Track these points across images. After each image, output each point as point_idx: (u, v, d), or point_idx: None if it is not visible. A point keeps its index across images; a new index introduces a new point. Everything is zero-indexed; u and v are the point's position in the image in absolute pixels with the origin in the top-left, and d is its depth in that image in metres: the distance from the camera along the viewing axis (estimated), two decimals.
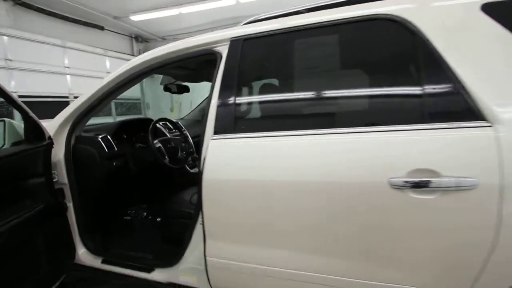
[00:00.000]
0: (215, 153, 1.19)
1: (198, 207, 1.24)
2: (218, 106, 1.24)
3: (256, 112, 1.28)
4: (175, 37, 7.71)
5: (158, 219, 2.17)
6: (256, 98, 1.47)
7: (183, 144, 2.10)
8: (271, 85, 1.34)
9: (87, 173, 1.68)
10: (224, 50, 1.30)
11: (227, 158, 1.16)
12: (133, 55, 7.75)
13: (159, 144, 1.87)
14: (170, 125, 2.56)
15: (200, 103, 3.22)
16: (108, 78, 1.56)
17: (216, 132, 1.22)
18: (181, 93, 2.40)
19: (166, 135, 2.07)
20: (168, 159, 1.87)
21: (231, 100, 1.23)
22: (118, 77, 1.53)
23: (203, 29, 6.97)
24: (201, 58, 1.43)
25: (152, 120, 2.20)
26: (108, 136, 1.79)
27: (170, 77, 2.21)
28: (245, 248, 1.15)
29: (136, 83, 1.62)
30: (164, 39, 7.88)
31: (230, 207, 1.16)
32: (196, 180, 1.23)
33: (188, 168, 2.12)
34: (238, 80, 1.23)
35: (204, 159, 1.19)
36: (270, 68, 1.30)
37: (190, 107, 8.37)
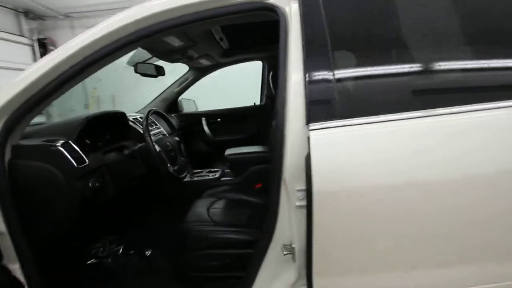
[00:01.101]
0: (327, 150, 0.79)
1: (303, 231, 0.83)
2: (310, 83, 0.84)
3: (375, 86, 0.92)
4: (84, 15, 6.13)
5: (147, 253, 1.55)
6: (370, 65, 0.94)
7: (181, 146, 1.53)
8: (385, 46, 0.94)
9: (44, 207, 0.98)
10: (290, 4, 0.90)
11: (353, 156, 0.79)
12: (22, 35, 5.78)
13: (158, 147, 1.28)
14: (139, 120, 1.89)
15: (162, 93, 2.54)
16: (68, 48, 0.91)
17: (313, 119, 0.82)
18: (156, 76, 1.77)
19: (163, 133, 1.45)
20: (171, 167, 1.30)
21: (329, 73, 0.85)
22: (90, 45, 0.91)
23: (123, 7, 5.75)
24: (241, 18, 0.99)
25: (123, 115, 1.53)
26: (72, 143, 1.10)
27: (149, 52, 1.57)
28: (376, 278, 0.83)
29: (120, 56, 1.01)
30: (68, 17, 6.17)
31: (363, 226, 0.80)
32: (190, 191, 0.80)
33: (189, 177, 1.57)
34: (332, 44, 0.86)
35: (309, 161, 0.79)
36: (376, 23, 0.91)
37: (113, 102, 6.98)
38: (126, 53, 1.03)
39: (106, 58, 0.94)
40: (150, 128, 1.84)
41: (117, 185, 1.29)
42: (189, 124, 2.65)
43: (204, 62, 2.12)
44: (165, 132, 1.97)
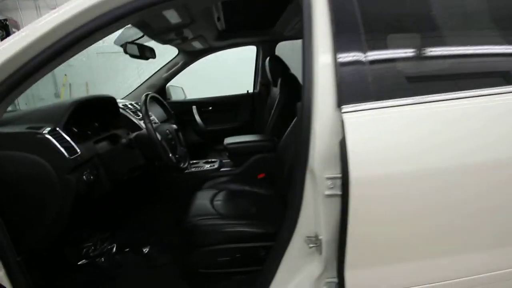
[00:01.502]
0: (364, 134, 0.74)
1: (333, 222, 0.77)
2: (341, 64, 0.77)
3: (414, 66, 0.86)
4: None
5: (145, 250, 1.43)
6: (406, 45, 0.88)
7: (179, 134, 1.41)
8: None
9: (32, 207, 0.84)
10: None
11: (394, 139, 0.74)
12: None
13: (160, 136, 1.15)
14: (133, 106, 1.72)
15: (148, 78, 2.35)
16: (44, 25, 0.76)
17: (345, 101, 0.76)
18: (146, 58, 1.61)
19: (155, 121, 1.32)
20: (172, 156, 1.19)
21: (362, 53, 0.78)
22: (72, 19, 0.76)
23: None
24: None
25: (114, 100, 1.37)
26: (60, 130, 0.95)
27: (141, 31, 1.40)
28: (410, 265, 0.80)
29: (109, 33, 0.86)
30: None
31: (405, 213, 0.76)
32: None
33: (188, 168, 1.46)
34: (364, 22, 0.79)
35: (344, 145, 0.72)
36: None
37: (87, 90, 6.48)
38: (118, 29, 0.89)
39: (93, 34, 0.80)
40: (137, 111, 1.70)
41: (111, 178, 1.15)
42: (178, 113, 2.49)
43: (197, 45, 1.97)
44: (157, 121, 1.82)
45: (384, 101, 0.75)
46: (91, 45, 0.83)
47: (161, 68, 2.32)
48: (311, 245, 0.85)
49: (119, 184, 1.22)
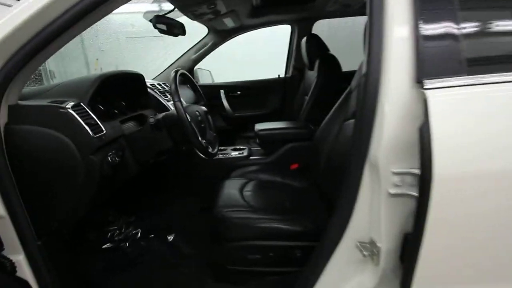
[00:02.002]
0: (456, 118, 0.57)
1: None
2: (424, 36, 0.60)
3: None
4: None
5: (170, 237, 1.37)
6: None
7: (209, 117, 1.29)
8: None
9: (54, 188, 0.78)
10: None
11: (494, 125, 0.56)
12: None
13: (189, 117, 1.04)
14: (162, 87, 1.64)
15: (177, 60, 2.26)
16: None
17: (428, 74, 0.59)
18: (176, 34, 1.50)
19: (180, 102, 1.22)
20: (202, 140, 1.07)
21: (451, 21, 0.60)
22: None
23: None
24: None
25: (142, 78, 1.29)
26: (85, 106, 0.87)
27: (171, 3, 1.28)
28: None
29: None
30: None
31: (500, 225, 0.59)
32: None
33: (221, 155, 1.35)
34: None
35: (427, 132, 0.56)
36: None
37: None
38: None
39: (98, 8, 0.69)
40: (165, 92, 1.61)
41: (138, 161, 1.07)
42: (206, 97, 2.39)
43: (228, 22, 1.83)
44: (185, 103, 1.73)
45: (482, 76, 0.57)
46: (97, 20, 0.74)
47: (190, 49, 2.22)
48: (365, 253, 0.71)
49: (145, 168, 1.14)
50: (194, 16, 1.48)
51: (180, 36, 2.43)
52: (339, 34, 2.40)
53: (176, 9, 1.41)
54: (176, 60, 2.25)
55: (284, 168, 1.48)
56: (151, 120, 0.99)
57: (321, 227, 0.99)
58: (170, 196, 1.52)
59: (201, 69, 2.52)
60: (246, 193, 1.21)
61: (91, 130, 0.83)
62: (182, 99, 1.59)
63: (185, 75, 1.16)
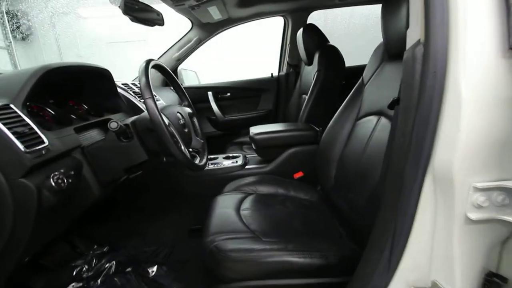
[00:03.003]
0: None
1: None
2: None
3: None
4: None
5: (151, 271, 1.10)
6: None
7: (195, 120, 1.05)
8: None
9: None
10: None
11: None
12: None
13: (168, 120, 0.80)
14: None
15: (158, 58, 2.00)
16: None
17: None
18: (152, 24, 1.26)
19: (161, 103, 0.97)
20: (185, 149, 0.83)
21: None
22: None
23: None
24: None
25: (109, 74, 1.03)
26: (15, 108, 0.62)
27: None
28: None
29: None
30: None
31: None
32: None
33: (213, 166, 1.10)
34: None
35: None
36: None
37: None
38: None
39: None
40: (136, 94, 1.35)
41: (100, 181, 0.82)
42: (191, 101, 2.15)
43: (214, 13, 1.61)
44: (164, 103, 1.47)
45: None
46: None
47: (172, 47, 1.97)
48: None
49: (115, 187, 0.89)
50: (173, 2, 1.25)
51: (166, 39, 2.20)
52: (337, 27, 2.23)
53: None
54: (158, 59, 2.00)
55: (287, 178, 1.25)
56: (113, 125, 0.74)
57: (346, 258, 0.77)
58: (151, 219, 1.26)
59: (185, 69, 2.28)
60: (244, 213, 0.98)
61: (23, 142, 0.57)
62: (159, 98, 1.34)
63: (161, 68, 0.92)
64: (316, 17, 1.95)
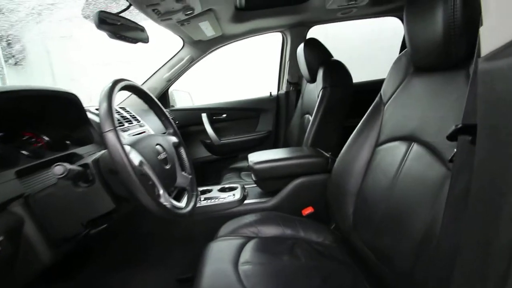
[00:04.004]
0: None
1: None
2: None
3: None
4: None
5: None
6: None
7: (181, 151, 0.86)
8: None
9: None
10: None
11: None
12: None
13: (140, 158, 0.60)
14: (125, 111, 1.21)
15: (146, 81, 1.85)
16: None
17: None
18: (134, 41, 1.11)
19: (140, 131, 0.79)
20: (164, 193, 0.63)
21: None
22: None
23: None
24: None
25: (76, 100, 0.85)
26: None
27: None
28: None
29: None
30: None
31: None
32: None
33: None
34: None
35: None
36: None
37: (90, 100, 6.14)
38: None
39: None
40: (121, 120, 1.17)
41: (51, 240, 0.61)
42: (184, 124, 1.99)
43: (207, 30, 1.47)
44: (152, 132, 1.29)
45: None
46: None
47: (162, 67, 1.83)
48: None
49: (73, 247, 0.68)
50: (158, 16, 1.10)
51: (153, 58, 2.06)
52: (339, 42, 2.11)
53: (132, 6, 1.02)
54: (145, 81, 1.85)
55: (294, 214, 1.05)
56: (58, 170, 0.54)
57: None
58: (132, 271, 1.03)
59: (177, 90, 2.12)
60: (244, 268, 0.77)
61: None
62: (144, 124, 1.17)
63: (134, 89, 0.74)
64: (317, 32, 1.83)
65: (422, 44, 0.69)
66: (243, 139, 2.00)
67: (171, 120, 0.88)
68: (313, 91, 1.51)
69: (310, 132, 1.35)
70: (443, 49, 0.64)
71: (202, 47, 1.76)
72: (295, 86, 1.92)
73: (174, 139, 0.84)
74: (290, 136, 1.86)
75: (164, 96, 1.97)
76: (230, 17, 1.45)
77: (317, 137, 1.33)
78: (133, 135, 1.12)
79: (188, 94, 2.24)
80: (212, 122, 2.00)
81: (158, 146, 0.71)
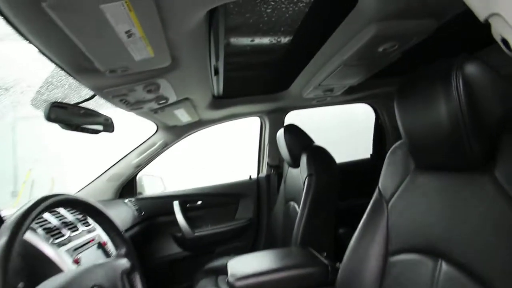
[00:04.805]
0: None
1: None
2: None
3: None
4: None
5: None
6: None
7: (135, 279, 0.62)
8: None
9: None
10: None
11: None
12: None
13: None
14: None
15: (112, 167, 1.65)
16: None
17: None
18: (96, 132, 0.97)
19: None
20: None
21: None
22: None
23: None
24: None
25: None
26: None
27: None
28: None
29: None
30: None
31: None
32: None
33: None
34: None
35: None
36: None
37: (52, 187, 5.56)
38: None
39: None
40: (59, 226, 0.91)
41: None
42: (152, 214, 1.72)
43: (182, 116, 1.40)
44: (104, 239, 1.01)
45: None
46: None
47: (131, 152, 1.67)
48: None
49: None
50: (127, 106, 1.01)
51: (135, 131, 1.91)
52: (313, 123, 2.15)
53: (96, 96, 0.92)
54: (109, 168, 1.65)
55: None
56: None
57: None
58: None
59: (147, 175, 1.93)
60: None
61: None
62: (98, 232, 0.93)
63: (72, 203, 0.55)
64: (293, 113, 1.86)
65: (424, 141, 0.62)
66: (221, 230, 1.74)
67: (125, 237, 0.66)
68: (297, 176, 1.40)
69: (299, 227, 1.17)
70: (451, 149, 0.56)
71: (177, 132, 1.67)
72: (276, 169, 1.82)
73: (124, 264, 0.61)
74: (274, 224, 1.65)
75: (131, 183, 1.75)
76: (207, 105, 1.41)
77: (307, 234, 1.14)
78: (77, 248, 0.86)
79: (159, 179, 2.03)
80: (185, 211, 1.75)
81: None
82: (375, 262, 0.74)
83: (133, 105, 1.00)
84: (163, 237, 1.75)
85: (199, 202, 1.81)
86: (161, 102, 1.05)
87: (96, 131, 0.97)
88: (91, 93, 0.93)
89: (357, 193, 1.74)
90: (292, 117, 1.87)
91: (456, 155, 0.56)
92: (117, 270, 0.57)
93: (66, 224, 0.93)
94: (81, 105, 0.95)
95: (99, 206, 0.62)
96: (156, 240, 1.74)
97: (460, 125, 0.52)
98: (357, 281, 0.76)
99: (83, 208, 0.61)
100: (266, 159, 1.87)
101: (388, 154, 0.82)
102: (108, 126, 1.02)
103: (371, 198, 0.79)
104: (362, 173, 1.89)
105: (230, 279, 0.87)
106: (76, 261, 0.79)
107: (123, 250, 0.64)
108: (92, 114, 0.97)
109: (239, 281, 0.86)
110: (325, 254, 1.02)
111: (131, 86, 0.84)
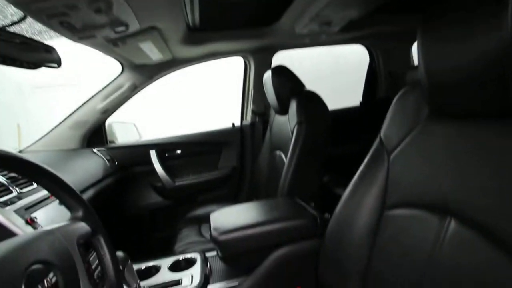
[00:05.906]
0: None
1: None
2: None
3: None
4: None
5: None
6: None
7: (106, 257, 0.51)
8: None
9: None
10: None
11: None
12: None
13: None
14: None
15: (72, 113, 1.44)
16: None
17: None
18: (33, 66, 0.75)
19: None
20: None
21: None
22: None
23: None
24: None
25: None
26: None
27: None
28: None
29: None
30: None
31: None
32: None
33: None
34: None
35: None
36: None
37: (18, 133, 5.17)
38: None
39: None
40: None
41: None
42: (127, 164, 1.60)
43: (152, 53, 1.17)
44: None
45: None
46: None
47: (94, 96, 1.44)
48: None
49: None
50: (72, 32, 0.77)
51: (101, 81, 1.65)
52: (305, 68, 1.97)
53: (28, 17, 0.69)
54: (71, 115, 1.44)
55: None
56: None
57: None
58: None
59: (119, 122, 1.74)
60: None
61: None
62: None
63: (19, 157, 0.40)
64: (281, 57, 1.65)
65: (450, 79, 0.50)
66: (203, 180, 1.67)
67: (80, 197, 0.53)
68: (285, 124, 1.29)
69: (286, 177, 1.10)
70: (487, 91, 0.45)
71: (147, 73, 1.44)
72: (261, 116, 1.69)
73: (80, 229, 0.50)
74: (258, 173, 1.59)
75: (99, 131, 1.57)
76: (181, 39, 1.17)
77: (295, 184, 1.08)
78: (29, 206, 0.73)
79: (133, 127, 1.85)
80: (163, 160, 1.64)
81: (35, 267, 0.37)
82: (369, 216, 0.69)
83: (80, 32, 0.77)
84: (142, 187, 1.66)
85: (179, 151, 1.70)
86: (118, 29, 0.82)
87: (35, 65, 0.76)
88: (20, 13, 0.69)
89: (344, 141, 1.69)
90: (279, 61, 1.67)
91: (491, 99, 0.46)
92: (70, 238, 0.46)
93: (15, 180, 0.79)
94: (10, 29, 0.72)
95: (40, 163, 0.47)
96: (134, 190, 1.66)
97: (508, 61, 0.40)
98: (348, 234, 0.71)
99: (17, 167, 0.46)
100: (250, 105, 1.72)
101: (395, 100, 0.71)
102: (52, 59, 0.80)
103: (357, 146, 0.70)
104: (350, 121, 1.82)
105: (213, 233, 0.81)
106: (30, 222, 0.68)
107: (79, 213, 0.53)
108: (27, 42, 0.74)
109: (223, 235, 0.80)
110: (313, 204, 0.98)
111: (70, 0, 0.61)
